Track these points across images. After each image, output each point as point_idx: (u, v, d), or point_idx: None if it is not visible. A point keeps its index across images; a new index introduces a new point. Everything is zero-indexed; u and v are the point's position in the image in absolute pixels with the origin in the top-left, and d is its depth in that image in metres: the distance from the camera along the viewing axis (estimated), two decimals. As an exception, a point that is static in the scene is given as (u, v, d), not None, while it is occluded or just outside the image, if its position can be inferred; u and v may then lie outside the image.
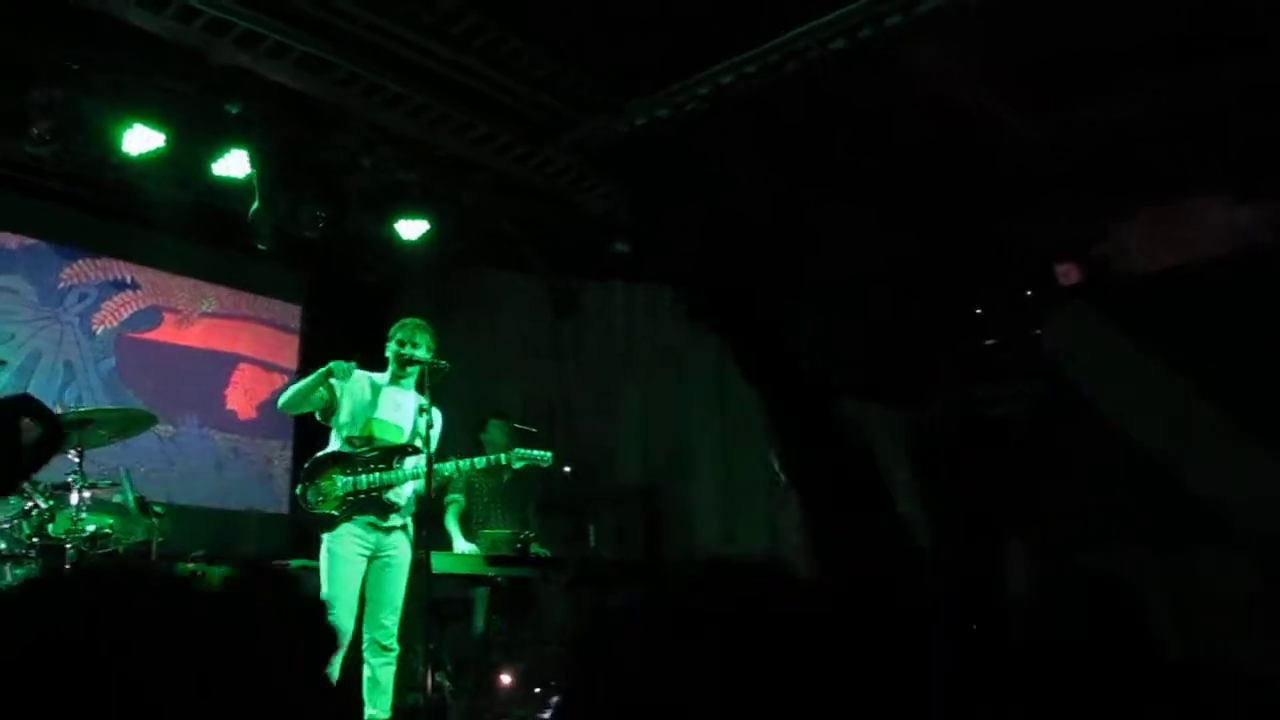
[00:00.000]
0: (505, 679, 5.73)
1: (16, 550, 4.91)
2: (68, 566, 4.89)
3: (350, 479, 4.74)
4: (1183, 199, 5.84)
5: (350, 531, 4.70)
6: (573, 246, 7.59)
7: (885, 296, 6.21)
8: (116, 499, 5.50)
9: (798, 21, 5.12)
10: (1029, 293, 6.36)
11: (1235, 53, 5.02)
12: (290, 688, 0.93)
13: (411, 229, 6.97)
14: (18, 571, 4.84)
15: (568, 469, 6.05)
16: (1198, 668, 1.95)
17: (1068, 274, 6.22)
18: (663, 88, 5.74)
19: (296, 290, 8.78)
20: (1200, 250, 5.69)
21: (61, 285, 7.55)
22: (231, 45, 5.39)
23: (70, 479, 5.05)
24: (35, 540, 4.92)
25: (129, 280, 7.91)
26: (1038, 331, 6.22)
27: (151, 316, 8.00)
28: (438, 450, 4.81)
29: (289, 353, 8.70)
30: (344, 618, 4.54)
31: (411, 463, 4.80)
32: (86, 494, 5.08)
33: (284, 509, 8.02)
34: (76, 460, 5.07)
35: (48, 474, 5.16)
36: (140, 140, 5.86)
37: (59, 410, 6.20)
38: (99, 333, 7.69)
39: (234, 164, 6.16)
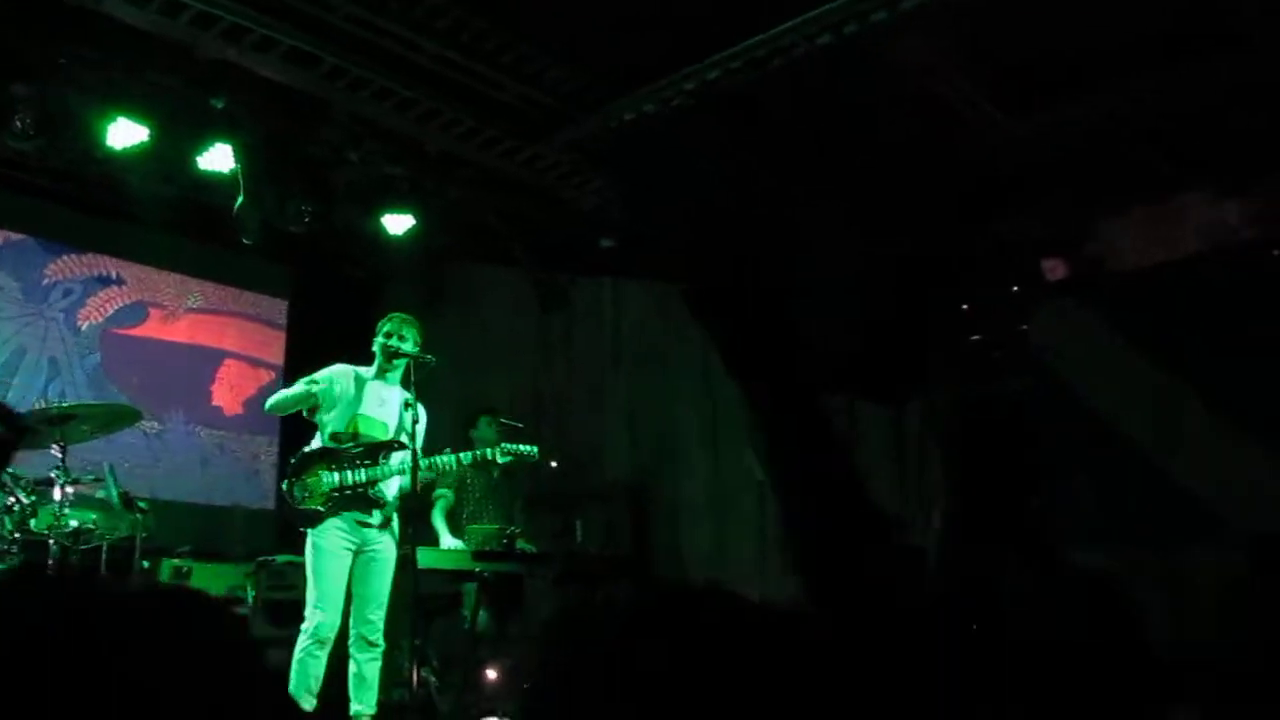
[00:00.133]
0: (492, 674, 5.71)
1: (-1, 545, 4.88)
2: (50, 562, 4.87)
3: (336, 475, 4.72)
4: (1170, 196, 5.85)
5: (336, 527, 4.68)
6: (561, 242, 7.58)
7: (872, 293, 6.21)
8: (100, 494, 5.48)
9: (784, 17, 5.13)
10: (1016, 289, 6.37)
11: (1221, 51, 5.04)
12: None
13: (398, 224, 6.94)
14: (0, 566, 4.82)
15: (554, 464, 6.04)
16: (1190, 665, 1.96)
17: (1055, 270, 6.23)
18: (650, 84, 5.74)
19: (283, 285, 8.75)
20: (1187, 247, 5.71)
21: (46, 281, 7.51)
22: (218, 39, 5.37)
23: (53, 474, 5.01)
24: (17, 536, 4.89)
25: (114, 276, 7.87)
26: (1024, 327, 6.23)
27: (137, 312, 7.96)
28: (427, 445, 4.80)
29: (275, 348, 8.66)
30: (330, 613, 4.54)
31: (397, 458, 4.78)
32: (69, 489, 5.05)
33: (270, 505, 7.99)
34: (60, 456, 5.03)
35: (31, 469, 5.15)
36: (125, 134, 5.83)
37: (41, 405, 6.18)
38: (84, 328, 7.66)
39: (219, 158, 6.12)
